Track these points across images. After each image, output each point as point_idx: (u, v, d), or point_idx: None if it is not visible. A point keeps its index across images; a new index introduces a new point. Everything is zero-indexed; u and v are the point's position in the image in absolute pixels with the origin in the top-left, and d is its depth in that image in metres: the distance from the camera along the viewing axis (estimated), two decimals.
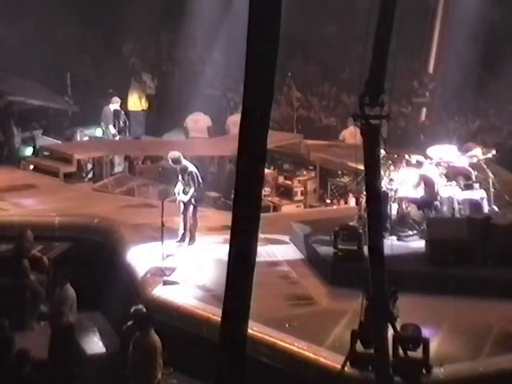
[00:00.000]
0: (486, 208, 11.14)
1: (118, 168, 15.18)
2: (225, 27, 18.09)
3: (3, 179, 13.62)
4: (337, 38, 19.49)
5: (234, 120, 16.30)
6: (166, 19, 19.25)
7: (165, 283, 9.79)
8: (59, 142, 16.16)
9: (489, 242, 10.13)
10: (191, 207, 10.91)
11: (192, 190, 10.81)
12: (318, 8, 19.49)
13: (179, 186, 10.96)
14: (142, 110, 17.53)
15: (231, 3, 17.77)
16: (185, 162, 11.07)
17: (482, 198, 11.16)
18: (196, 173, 10.93)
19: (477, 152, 11.67)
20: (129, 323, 8.76)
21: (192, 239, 11.00)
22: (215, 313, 8.19)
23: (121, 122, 16.98)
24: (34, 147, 15.72)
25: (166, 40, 20.38)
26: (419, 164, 11.21)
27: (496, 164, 12.44)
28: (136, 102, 17.50)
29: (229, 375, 6.34)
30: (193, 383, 8.85)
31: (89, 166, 14.91)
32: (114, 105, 16.90)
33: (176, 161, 11.02)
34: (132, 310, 8.79)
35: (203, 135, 16.59)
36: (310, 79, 19.64)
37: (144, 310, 8.79)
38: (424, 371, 7.40)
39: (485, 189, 11.32)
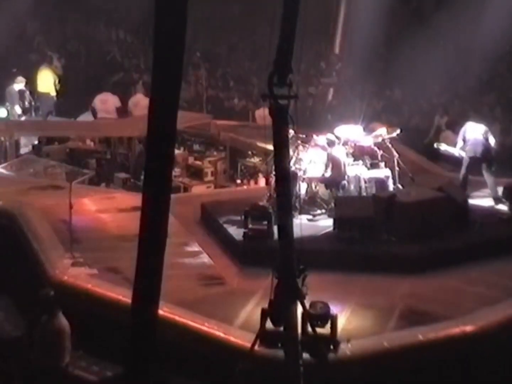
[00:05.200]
0: (391, 187, 11.39)
1: (24, 150, 14.80)
2: (135, 5, 17.80)
3: None
4: (243, 18, 19.49)
5: (135, 101, 16.16)
6: None
7: (74, 265, 9.63)
8: None
9: (394, 219, 10.36)
10: None
11: None
12: None
13: None
14: (55, 94, 17.13)
15: None
16: None
17: (387, 177, 11.41)
18: None
19: (382, 132, 11.90)
20: (36, 306, 8.56)
21: None
22: (125, 295, 8.10)
23: (26, 103, 16.55)
24: None
25: (72, 18, 19.95)
26: (331, 143, 11.33)
27: (400, 143, 12.71)
28: (47, 85, 17.07)
29: (139, 356, 6.28)
30: (102, 365, 8.73)
31: None
32: (19, 84, 16.44)
33: None
34: (39, 293, 8.60)
35: (111, 116, 16.34)
36: (217, 59, 19.61)
37: (52, 292, 8.60)
38: (332, 347, 7.52)
39: (390, 168, 11.56)
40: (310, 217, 10.96)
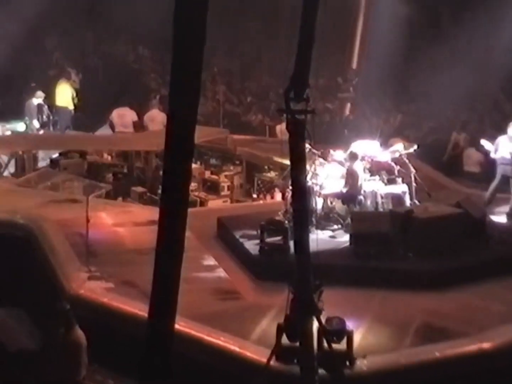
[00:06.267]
0: (408, 202, 11.36)
1: (42, 163, 14.91)
2: (154, 20, 17.93)
3: None
4: (261, 34, 19.58)
5: (151, 116, 16.28)
6: (90, 13, 19.01)
7: (90, 278, 9.66)
8: None
9: (411, 235, 10.33)
10: None
11: None
12: (241, 4, 19.55)
13: None
14: (73, 108, 17.28)
15: None
16: None
17: (404, 192, 11.38)
18: None
19: (399, 147, 11.89)
20: (53, 319, 8.59)
21: None
22: (141, 309, 8.12)
23: (44, 117, 16.70)
24: None
25: (91, 34, 20.12)
26: (353, 157, 11.30)
27: (417, 159, 12.69)
28: (65, 99, 17.23)
29: (155, 370, 6.29)
30: (118, 379, 8.75)
31: (11, 160, 14.60)
32: (38, 99, 16.60)
33: None
34: (55, 306, 8.63)
35: (129, 130, 16.44)
36: (235, 74, 19.69)
37: (68, 306, 8.64)
38: (348, 363, 7.49)
39: (407, 184, 11.55)
40: (326, 232, 10.94)
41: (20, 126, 16.43)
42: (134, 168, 14.80)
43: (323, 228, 10.96)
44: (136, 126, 16.54)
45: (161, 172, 6.37)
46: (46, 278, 10.12)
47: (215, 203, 13.96)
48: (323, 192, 11.26)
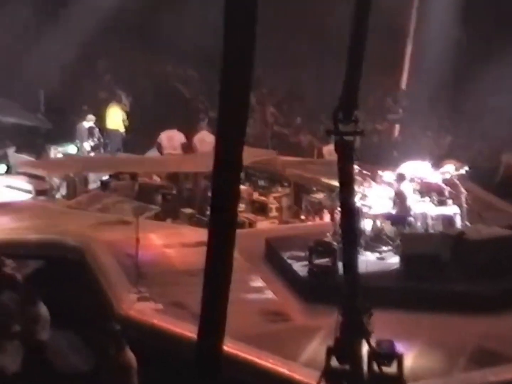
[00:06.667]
0: (459, 224, 11.23)
1: (92, 185, 15.12)
2: (201, 42, 18.11)
3: None
4: (310, 54, 19.60)
5: (200, 138, 16.42)
6: (140, 35, 19.27)
7: (140, 299, 9.72)
8: (32, 159, 16.05)
9: (462, 257, 10.19)
10: None
11: None
12: (290, 24, 19.61)
13: None
14: (124, 131, 17.53)
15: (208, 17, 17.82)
16: None
17: (455, 214, 11.26)
18: None
19: (450, 169, 11.78)
20: (103, 340, 8.67)
21: None
22: (190, 330, 8.14)
23: (95, 139, 16.94)
24: (7, 165, 15.62)
25: (140, 55, 20.38)
26: (401, 178, 11.25)
27: (468, 180, 12.55)
28: (116, 122, 17.48)
29: None
30: None
31: (63, 183, 14.84)
32: (89, 122, 16.86)
33: None
34: (106, 327, 8.71)
35: (177, 152, 16.59)
36: (283, 95, 19.73)
37: (118, 327, 8.71)
38: None
39: (458, 205, 11.41)
40: (375, 253, 10.86)
41: (71, 149, 16.69)
42: (183, 190, 14.91)
43: (372, 250, 10.88)
44: (184, 148, 16.68)
45: (209, 193, 6.39)
46: (97, 299, 10.22)
47: (263, 224, 13.97)
48: (372, 213, 11.19)
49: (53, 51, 18.86)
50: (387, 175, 11.55)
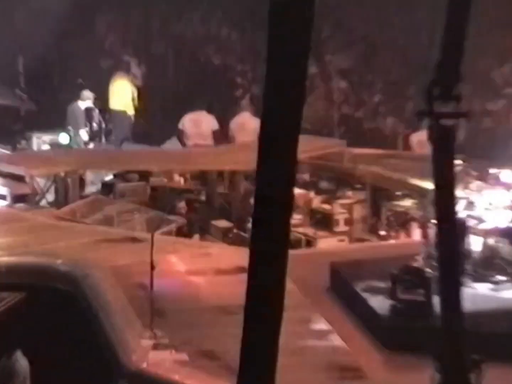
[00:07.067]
0: None
1: (91, 188, 15.27)
2: None
3: None
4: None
5: (239, 122, 16.45)
6: None
7: (156, 347, 9.79)
8: (8, 152, 16.29)
9: None
10: None
11: None
12: None
13: None
14: (133, 113, 17.68)
15: None
16: None
17: None
18: None
19: None
20: None
21: None
22: None
23: (94, 125, 17.12)
24: None
25: (156, 10, 20.58)
26: None
27: None
28: (123, 101, 17.65)
29: None
30: None
31: (50, 185, 15.01)
32: (86, 102, 17.05)
33: None
34: None
35: (207, 143, 16.69)
36: (355, 65, 19.73)
37: None
38: None
39: None
40: (487, 285, 10.81)
41: (62, 138, 16.90)
42: (216, 195, 15.00)
43: (482, 280, 10.83)
44: (217, 137, 16.78)
45: (252, 200, 6.42)
46: (97, 347, 10.32)
47: (327, 243, 13.99)
48: (483, 228, 11.14)
49: (36, 2, 19.16)
50: (505, 175, 11.48)
